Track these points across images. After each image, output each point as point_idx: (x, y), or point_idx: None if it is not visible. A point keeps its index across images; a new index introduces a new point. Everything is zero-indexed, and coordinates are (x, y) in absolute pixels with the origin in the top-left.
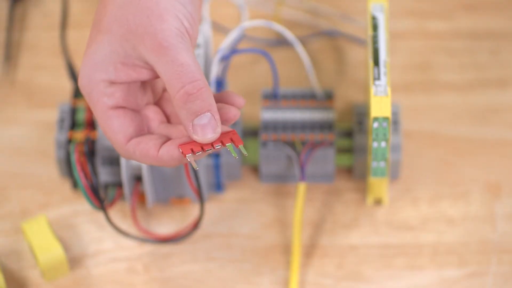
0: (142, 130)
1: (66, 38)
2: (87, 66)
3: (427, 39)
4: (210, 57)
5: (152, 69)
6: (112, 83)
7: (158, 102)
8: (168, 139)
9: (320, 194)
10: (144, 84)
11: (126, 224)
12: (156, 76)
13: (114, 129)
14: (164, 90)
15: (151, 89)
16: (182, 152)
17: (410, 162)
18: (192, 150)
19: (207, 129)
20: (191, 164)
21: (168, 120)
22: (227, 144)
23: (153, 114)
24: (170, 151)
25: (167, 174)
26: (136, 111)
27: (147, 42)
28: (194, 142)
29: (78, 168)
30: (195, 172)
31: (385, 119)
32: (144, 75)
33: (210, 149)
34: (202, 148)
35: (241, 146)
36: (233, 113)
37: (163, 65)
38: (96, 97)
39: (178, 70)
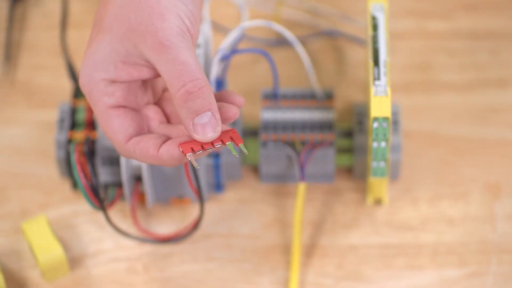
0: (142, 130)
1: (66, 38)
2: (87, 65)
3: (427, 39)
4: (210, 57)
5: (153, 68)
6: (113, 82)
7: (158, 102)
8: (168, 138)
9: (320, 194)
10: (144, 83)
11: (126, 224)
12: (157, 75)
13: (114, 128)
14: (164, 90)
15: (151, 89)
16: (182, 151)
17: (410, 162)
18: (192, 149)
19: (207, 128)
20: (191, 163)
21: (168, 120)
22: (227, 143)
23: (153, 114)
24: (170, 150)
25: (167, 174)
26: (136, 110)
27: (148, 40)
28: (194, 141)
29: (78, 168)
30: (195, 172)
31: (385, 119)
32: (145, 73)
33: (210, 148)
34: (202, 147)
35: (241, 145)
36: (233, 112)
37: (164, 64)
38: (97, 96)
39: (179, 68)
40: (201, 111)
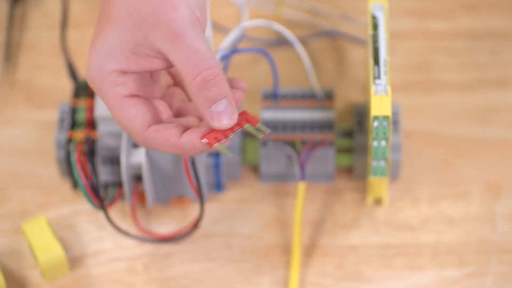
0: (158, 119)
1: (66, 38)
2: (96, 57)
3: (427, 39)
4: None
5: (163, 59)
6: (124, 72)
7: (162, 99)
8: (184, 128)
9: (320, 194)
10: (152, 76)
11: (126, 224)
12: (168, 66)
13: (130, 116)
14: (169, 86)
15: (157, 84)
16: (209, 143)
17: (410, 162)
18: (217, 139)
19: (225, 115)
20: (191, 162)
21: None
22: (245, 126)
23: (162, 107)
24: (191, 140)
25: (167, 173)
26: (148, 100)
27: (160, 30)
28: (214, 130)
29: (78, 168)
30: (195, 172)
31: (385, 118)
32: (156, 64)
33: (231, 134)
34: (224, 134)
35: (259, 124)
36: (238, 95)
37: (178, 53)
38: (109, 87)
39: (193, 57)
40: (217, 99)
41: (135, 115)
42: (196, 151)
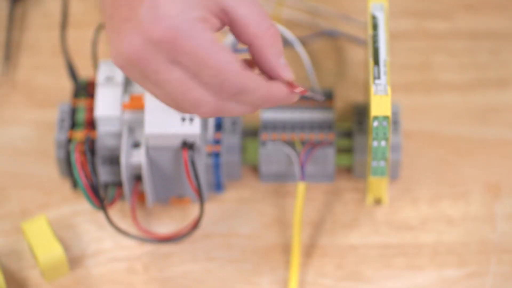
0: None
1: (66, 38)
2: (178, 5)
3: (427, 39)
4: None
5: (219, 19)
6: (206, 20)
7: None
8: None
9: (320, 194)
10: None
11: (126, 224)
12: (220, 28)
13: (229, 58)
14: None
15: None
16: (302, 91)
17: (410, 162)
18: (301, 87)
19: (288, 67)
20: (191, 163)
21: None
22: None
23: None
24: (281, 87)
25: (167, 173)
26: None
27: None
28: (287, 83)
29: (78, 167)
30: (195, 172)
31: (385, 118)
32: (214, 22)
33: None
34: (294, 85)
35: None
36: None
37: (248, 7)
38: (201, 33)
39: (262, 11)
40: (282, 53)
41: (233, 56)
42: (281, 100)
